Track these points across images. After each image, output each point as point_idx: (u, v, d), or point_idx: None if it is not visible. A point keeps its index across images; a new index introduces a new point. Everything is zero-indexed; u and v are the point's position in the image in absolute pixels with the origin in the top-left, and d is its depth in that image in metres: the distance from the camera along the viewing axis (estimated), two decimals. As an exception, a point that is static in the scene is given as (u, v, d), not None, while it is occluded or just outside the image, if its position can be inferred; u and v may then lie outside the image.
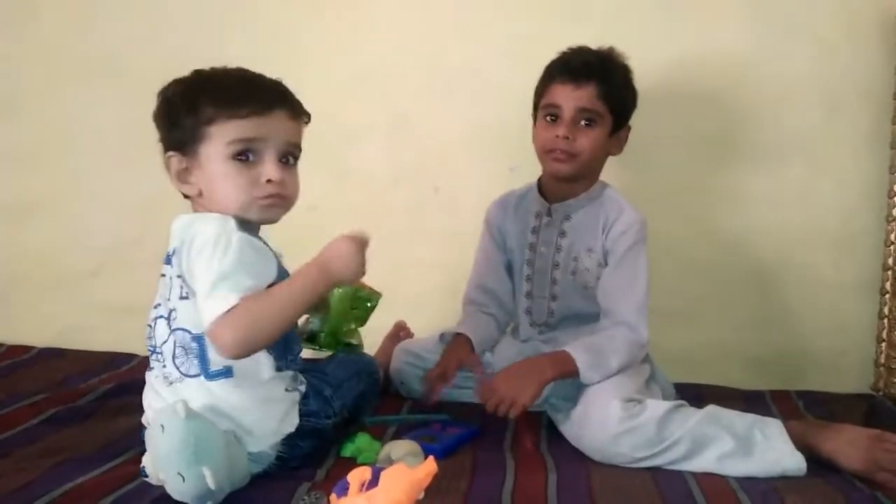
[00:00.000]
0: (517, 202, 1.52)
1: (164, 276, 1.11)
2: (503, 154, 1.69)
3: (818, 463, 1.14)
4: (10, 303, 1.93)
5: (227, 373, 1.06)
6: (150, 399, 1.12)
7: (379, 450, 1.14)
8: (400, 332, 1.62)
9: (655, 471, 1.14)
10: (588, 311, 1.43)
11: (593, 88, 1.37)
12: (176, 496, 0.95)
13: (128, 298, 1.82)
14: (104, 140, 1.87)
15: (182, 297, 1.06)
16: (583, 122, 1.38)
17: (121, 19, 1.84)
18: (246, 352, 1.02)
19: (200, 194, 1.11)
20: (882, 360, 1.59)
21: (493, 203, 1.55)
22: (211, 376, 1.05)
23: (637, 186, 1.64)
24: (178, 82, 1.13)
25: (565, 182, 1.43)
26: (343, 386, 1.22)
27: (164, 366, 1.09)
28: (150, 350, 1.12)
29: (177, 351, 1.07)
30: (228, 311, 0.98)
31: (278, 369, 1.11)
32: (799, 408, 1.46)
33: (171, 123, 1.11)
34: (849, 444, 1.15)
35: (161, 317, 1.10)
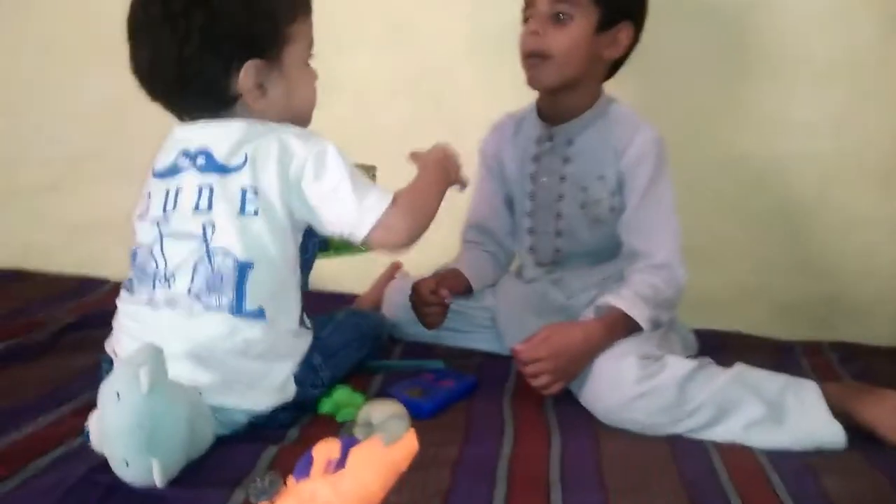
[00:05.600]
0: (515, 127, 1.33)
1: (179, 188, 0.96)
2: (510, 66, 1.51)
3: (855, 431, 1.00)
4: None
5: (260, 314, 0.94)
6: (126, 327, 0.96)
7: (361, 404, 1.01)
8: (395, 274, 1.49)
9: (673, 440, 1.00)
10: (600, 246, 1.27)
11: None
12: (117, 474, 0.81)
13: (91, 216, 1.72)
14: (62, 41, 1.69)
15: (243, 213, 0.94)
16: (560, 15, 1.17)
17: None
18: (417, 234, 1.01)
19: (268, 104, 1.00)
20: (923, 310, 1.45)
21: (488, 130, 1.37)
22: (243, 314, 0.93)
23: (653, 108, 1.41)
24: None
25: (553, 95, 1.24)
26: (338, 354, 1.09)
27: (170, 287, 0.93)
28: (143, 273, 0.96)
29: (197, 277, 0.93)
30: (390, 205, 0.98)
31: (301, 322, 1.01)
32: (833, 363, 1.31)
33: (247, 21, 0.95)
34: (892, 414, 1.01)
35: (177, 234, 0.95)
